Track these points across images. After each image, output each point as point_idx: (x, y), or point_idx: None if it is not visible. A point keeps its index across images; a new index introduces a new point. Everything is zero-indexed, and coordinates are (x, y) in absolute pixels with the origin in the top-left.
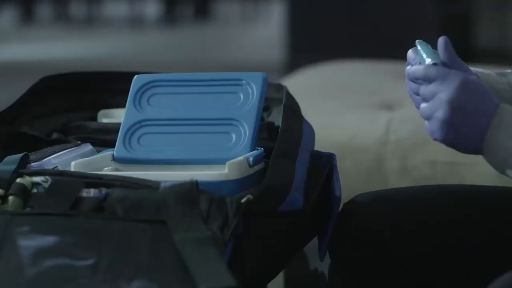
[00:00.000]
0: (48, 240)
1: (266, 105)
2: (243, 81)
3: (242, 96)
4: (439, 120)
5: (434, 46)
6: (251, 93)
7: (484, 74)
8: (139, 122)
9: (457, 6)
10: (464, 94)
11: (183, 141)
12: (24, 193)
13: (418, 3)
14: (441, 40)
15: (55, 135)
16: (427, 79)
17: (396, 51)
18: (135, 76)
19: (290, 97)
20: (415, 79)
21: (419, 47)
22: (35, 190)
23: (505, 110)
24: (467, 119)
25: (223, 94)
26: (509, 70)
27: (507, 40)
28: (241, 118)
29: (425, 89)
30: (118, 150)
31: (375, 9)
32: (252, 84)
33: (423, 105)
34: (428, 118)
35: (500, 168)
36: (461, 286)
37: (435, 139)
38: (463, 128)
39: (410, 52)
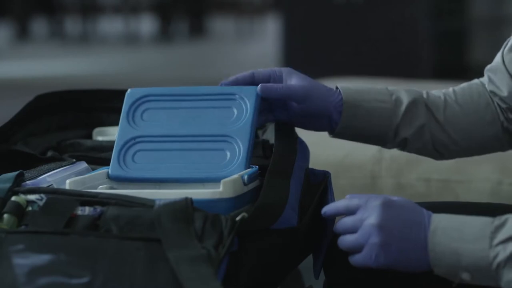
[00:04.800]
0: (43, 258)
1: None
2: (236, 96)
3: (235, 111)
4: (376, 245)
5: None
6: (244, 107)
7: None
8: (133, 138)
9: (452, 23)
10: (390, 212)
11: (178, 158)
12: (19, 211)
13: (413, 19)
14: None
15: (50, 153)
16: (350, 211)
17: (391, 68)
18: (128, 90)
19: None
20: (336, 215)
21: None
22: (29, 208)
23: (438, 217)
24: (403, 234)
25: (216, 109)
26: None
27: None
28: (235, 134)
29: (349, 220)
30: (112, 168)
31: (370, 26)
32: (245, 99)
33: (350, 237)
34: (360, 248)
35: (453, 273)
36: None
37: (377, 266)
38: (402, 245)
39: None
